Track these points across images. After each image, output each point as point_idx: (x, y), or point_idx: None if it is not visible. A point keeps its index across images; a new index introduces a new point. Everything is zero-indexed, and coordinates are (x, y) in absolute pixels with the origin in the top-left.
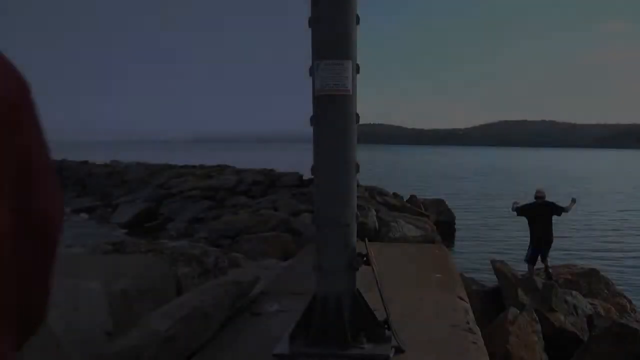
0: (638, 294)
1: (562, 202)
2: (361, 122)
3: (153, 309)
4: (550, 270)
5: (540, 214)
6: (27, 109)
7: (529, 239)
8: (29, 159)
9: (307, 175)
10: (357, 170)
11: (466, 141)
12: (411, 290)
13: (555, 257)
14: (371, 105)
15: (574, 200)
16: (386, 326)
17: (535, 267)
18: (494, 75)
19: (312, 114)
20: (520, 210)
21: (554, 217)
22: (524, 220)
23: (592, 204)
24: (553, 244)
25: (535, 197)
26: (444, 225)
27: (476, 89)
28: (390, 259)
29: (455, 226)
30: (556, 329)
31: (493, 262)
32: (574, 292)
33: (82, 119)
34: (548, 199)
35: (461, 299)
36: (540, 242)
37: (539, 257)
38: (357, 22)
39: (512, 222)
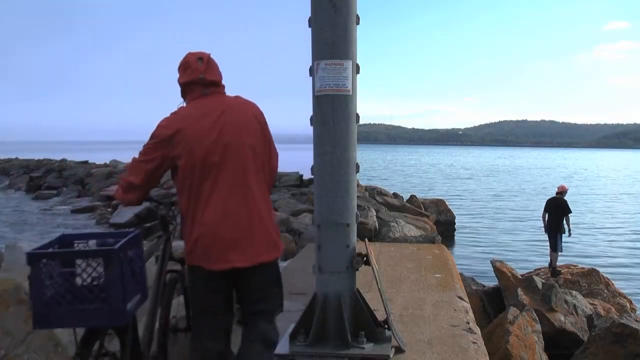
0: (638, 294)
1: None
2: (361, 122)
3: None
4: (555, 268)
5: (550, 209)
6: (265, 121)
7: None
8: (269, 139)
9: (307, 175)
10: (357, 170)
11: (466, 141)
12: (411, 290)
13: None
14: (371, 105)
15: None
16: (386, 326)
17: (539, 265)
18: (494, 74)
19: (312, 114)
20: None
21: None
22: (523, 220)
23: (592, 204)
24: (562, 245)
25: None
26: (444, 225)
27: (476, 89)
28: (390, 259)
29: (455, 226)
30: (556, 329)
31: (493, 262)
32: (574, 292)
33: (82, 119)
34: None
35: (461, 299)
36: (550, 232)
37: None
38: (357, 22)
39: (512, 222)
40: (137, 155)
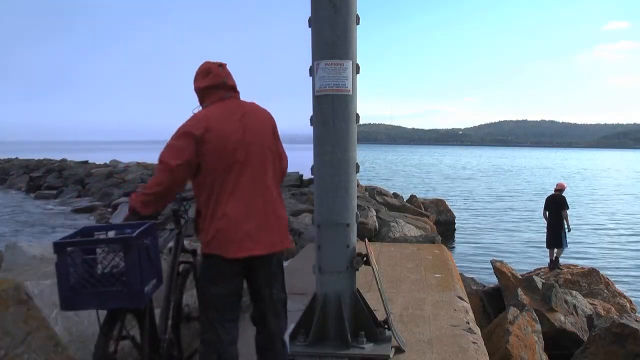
0: (638, 294)
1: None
2: (361, 122)
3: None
4: (557, 261)
5: (550, 206)
6: (276, 126)
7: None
8: (280, 142)
9: (307, 175)
10: (357, 170)
11: (466, 141)
12: (411, 290)
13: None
14: (371, 105)
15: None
16: (386, 326)
17: (540, 265)
18: (494, 74)
19: (312, 114)
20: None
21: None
22: (523, 220)
23: (593, 204)
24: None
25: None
26: (444, 225)
27: (476, 89)
28: (390, 259)
29: (455, 226)
30: (556, 329)
31: (493, 262)
32: (574, 292)
33: (82, 119)
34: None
35: (461, 299)
36: (550, 231)
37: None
38: (357, 22)
39: (512, 222)
40: (159, 165)
